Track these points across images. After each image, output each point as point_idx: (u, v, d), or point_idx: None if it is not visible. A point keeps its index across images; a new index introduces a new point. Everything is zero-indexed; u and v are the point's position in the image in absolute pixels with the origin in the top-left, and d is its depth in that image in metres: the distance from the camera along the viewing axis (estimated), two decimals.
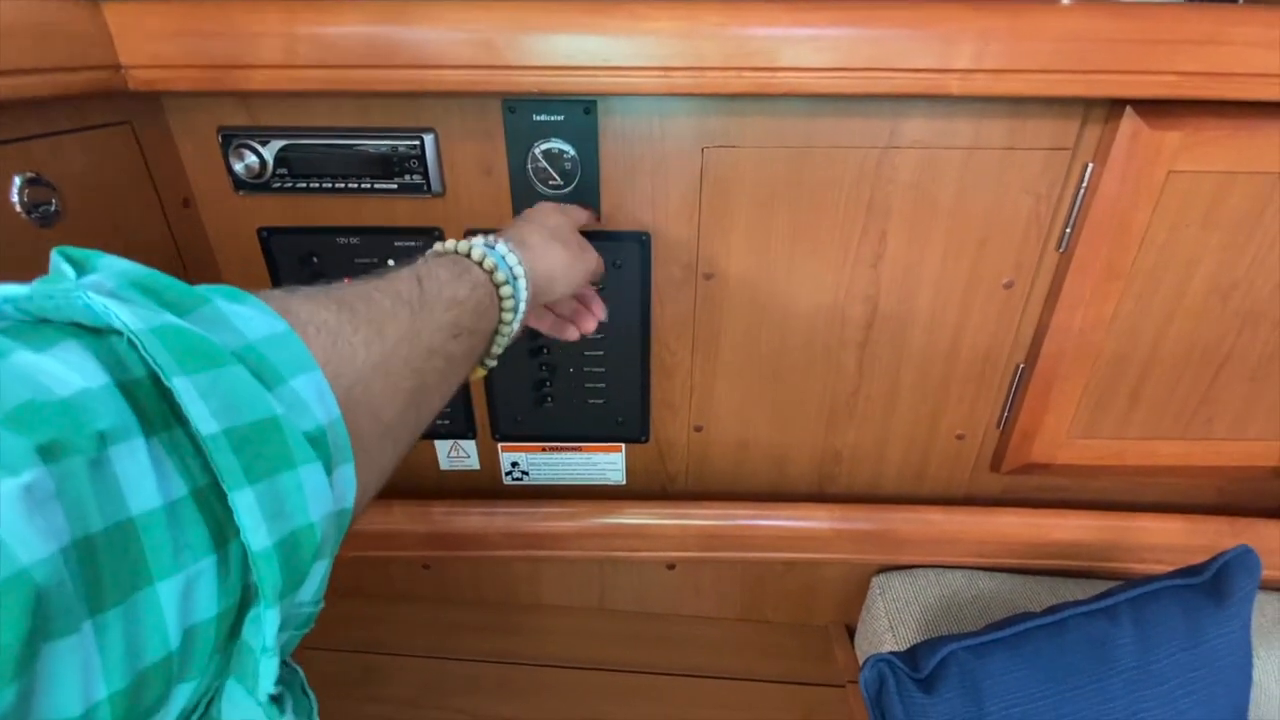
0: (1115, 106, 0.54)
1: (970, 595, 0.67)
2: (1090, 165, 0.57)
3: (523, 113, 0.56)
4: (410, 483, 0.75)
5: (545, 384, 0.69)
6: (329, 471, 0.23)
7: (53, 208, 0.46)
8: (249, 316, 0.23)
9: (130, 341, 0.19)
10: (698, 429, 0.72)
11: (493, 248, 0.39)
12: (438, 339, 0.32)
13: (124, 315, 0.19)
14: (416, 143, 0.56)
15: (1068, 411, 0.67)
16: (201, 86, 0.51)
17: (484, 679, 0.70)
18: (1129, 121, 0.54)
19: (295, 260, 0.62)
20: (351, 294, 0.29)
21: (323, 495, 0.22)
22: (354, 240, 0.61)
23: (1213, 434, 0.68)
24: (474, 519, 0.70)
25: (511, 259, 0.39)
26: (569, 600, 0.80)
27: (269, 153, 0.57)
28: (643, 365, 0.68)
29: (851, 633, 0.78)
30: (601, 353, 0.67)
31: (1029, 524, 0.69)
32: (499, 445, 0.73)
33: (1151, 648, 0.47)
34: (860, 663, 0.72)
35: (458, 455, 0.74)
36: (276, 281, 0.63)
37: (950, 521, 0.70)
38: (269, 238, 0.62)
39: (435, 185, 0.58)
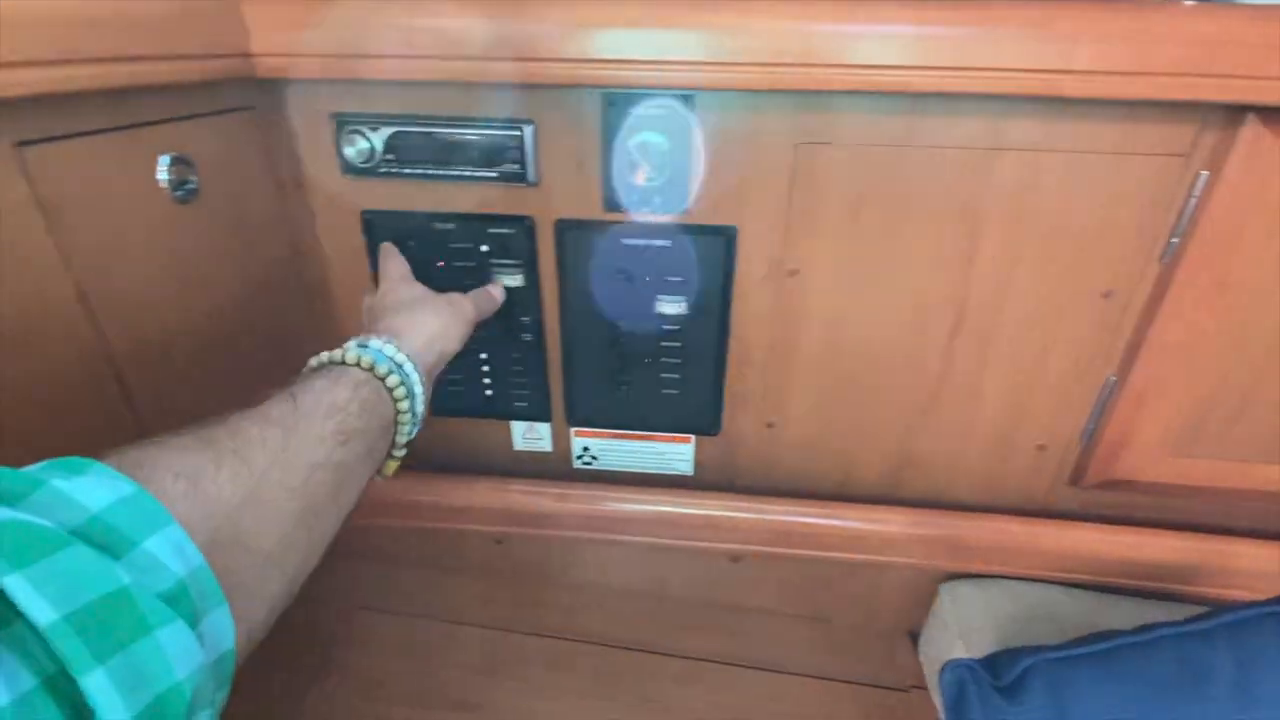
0: (1236, 113, 0.52)
1: (1045, 609, 0.65)
2: (1205, 173, 0.54)
3: (621, 105, 0.57)
4: (487, 461, 0.78)
5: (621, 372, 0.70)
6: (194, 624, 0.23)
7: (192, 185, 0.50)
8: (90, 487, 0.23)
9: None
10: (769, 425, 0.72)
11: (365, 346, 0.40)
12: (320, 452, 0.33)
13: None
14: (517, 133, 0.58)
15: (1159, 428, 0.64)
16: (323, 74, 0.54)
17: (550, 653, 0.73)
18: (1250, 128, 0.52)
19: (392, 243, 0.65)
20: (219, 429, 0.30)
21: (188, 651, 0.22)
22: (450, 226, 0.64)
23: None
24: (548, 499, 0.73)
25: (389, 349, 0.40)
26: (632, 584, 0.82)
27: (379, 139, 0.59)
28: (719, 359, 0.68)
29: (913, 638, 0.77)
30: (679, 344, 0.68)
31: (1112, 541, 0.67)
32: (572, 430, 0.75)
33: (1249, 674, 0.45)
34: (924, 669, 0.72)
35: (532, 437, 0.76)
36: (376, 262, 0.66)
37: (1027, 533, 0.69)
38: (371, 220, 0.65)
39: (532, 175, 0.60)
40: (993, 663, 0.51)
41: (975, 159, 0.56)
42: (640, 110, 0.57)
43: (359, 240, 0.66)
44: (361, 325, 0.48)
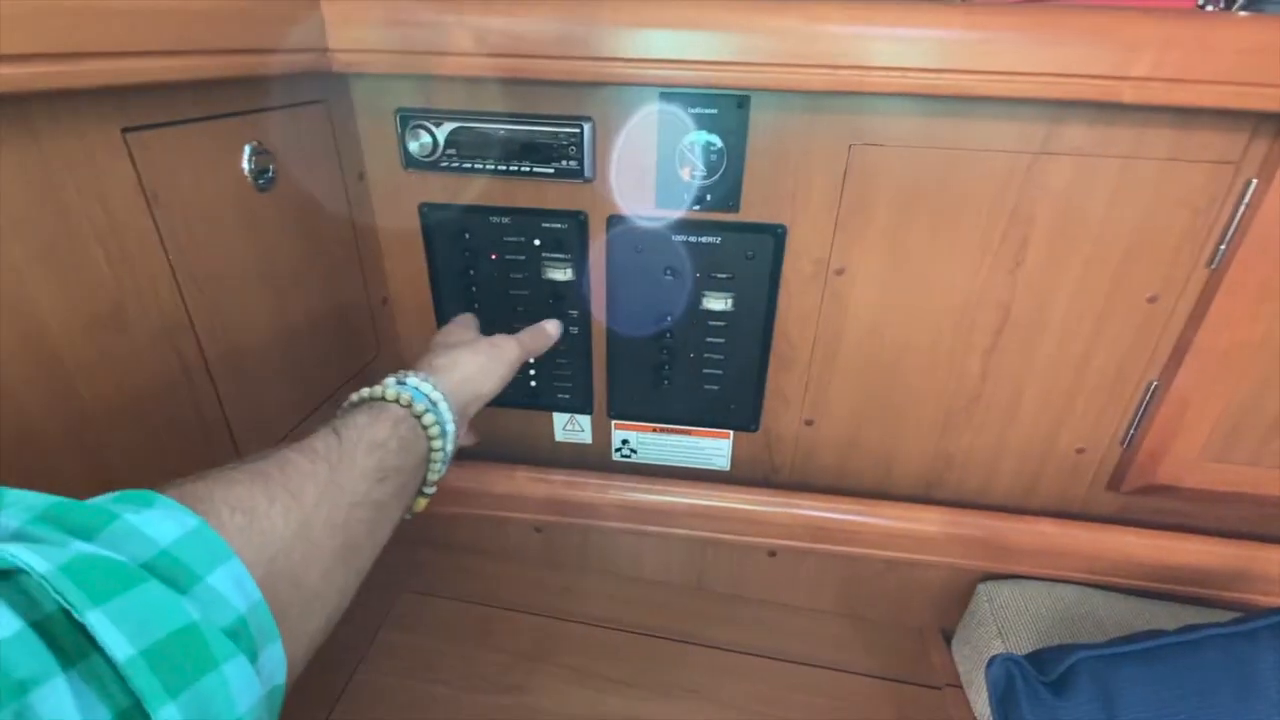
0: None
1: (1083, 610, 0.66)
2: (1254, 181, 0.55)
3: (678, 104, 0.58)
4: (529, 451, 0.80)
5: (664, 366, 0.72)
6: (254, 658, 0.24)
7: (270, 174, 0.52)
8: (159, 521, 0.24)
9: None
10: (808, 423, 0.73)
11: (404, 383, 0.42)
12: (361, 488, 0.34)
13: (28, 559, 0.20)
14: (576, 130, 0.60)
15: (1201, 434, 0.65)
16: (394, 70, 0.56)
17: (591, 640, 0.74)
18: None
19: (448, 236, 0.67)
20: (268, 463, 0.31)
21: (249, 685, 0.23)
22: (505, 220, 0.66)
23: None
24: (589, 489, 0.74)
25: (425, 387, 0.42)
26: (668, 577, 0.83)
27: (441, 134, 0.61)
28: (761, 356, 0.70)
29: (947, 638, 0.78)
30: (722, 340, 0.69)
31: (1151, 545, 0.68)
32: (612, 422, 0.77)
33: None
34: (959, 667, 0.73)
35: (573, 428, 0.78)
36: (431, 254, 0.68)
37: (1065, 535, 0.69)
38: (428, 213, 0.67)
39: (588, 171, 0.62)
40: (1039, 658, 0.51)
41: (1027, 163, 0.57)
42: (696, 109, 0.58)
43: (415, 232, 0.68)
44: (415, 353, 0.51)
